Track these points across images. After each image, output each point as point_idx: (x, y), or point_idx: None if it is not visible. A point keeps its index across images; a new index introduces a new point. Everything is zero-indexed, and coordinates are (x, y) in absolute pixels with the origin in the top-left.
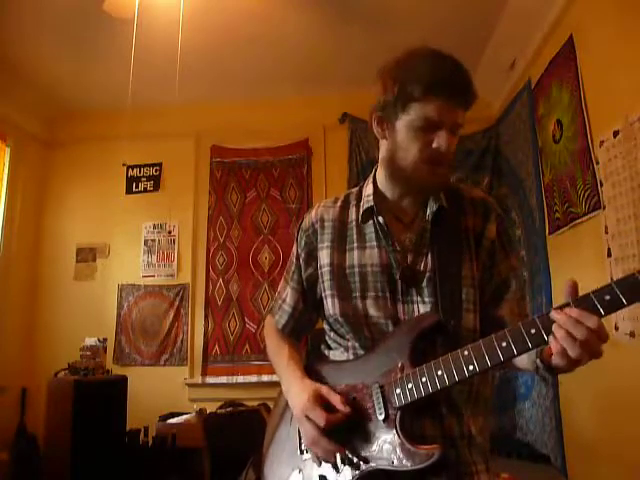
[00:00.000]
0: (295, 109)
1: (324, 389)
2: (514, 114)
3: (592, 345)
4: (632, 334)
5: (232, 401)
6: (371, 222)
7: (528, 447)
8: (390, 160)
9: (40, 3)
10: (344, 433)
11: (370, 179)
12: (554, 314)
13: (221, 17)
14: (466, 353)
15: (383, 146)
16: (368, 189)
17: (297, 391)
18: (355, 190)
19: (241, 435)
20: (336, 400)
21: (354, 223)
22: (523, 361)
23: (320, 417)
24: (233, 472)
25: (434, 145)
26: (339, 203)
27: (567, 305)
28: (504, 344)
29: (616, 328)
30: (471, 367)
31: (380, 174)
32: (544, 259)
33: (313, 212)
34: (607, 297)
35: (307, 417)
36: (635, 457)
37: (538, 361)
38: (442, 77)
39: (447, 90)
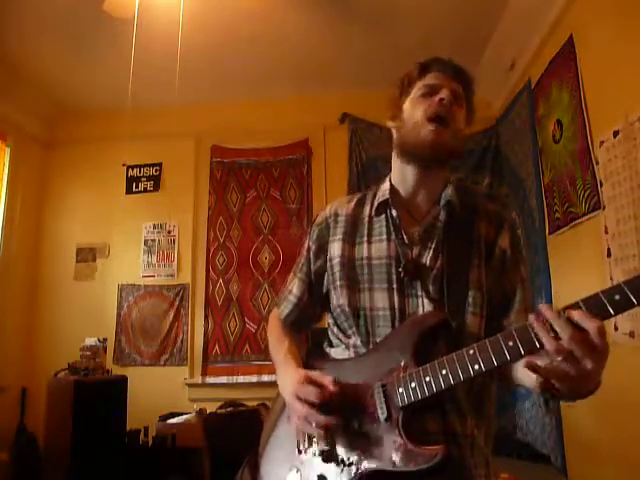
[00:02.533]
0: (295, 109)
1: (314, 372)
2: (514, 114)
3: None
4: (632, 334)
5: (232, 401)
6: (383, 216)
7: (528, 447)
8: (400, 139)
9: (40, 3)
10: (343, 431)
11: (387, 178)
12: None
13: (221, 17)
14: (471, 352)
15: (394, 132)
16: (385, 185)
17: (289, 380)
18: (373, 189)
19: (241, 435)
20: (326, 380)
21: (367, 218)
22: (526, 378)
23: (311, 393)
24: (233, 472)
25: (436, 99)
26: (355, 200)
27: (576, 305)
28: (511, 343)
29: (616, 328)
30: (477, 366)
31: (394, 163)
32: (544, 259)
33: (327, 208)
34: (617, 297)
35: (298, 397)
36: (635, 457)
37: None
38: (436, 58)
39: (441, 64)
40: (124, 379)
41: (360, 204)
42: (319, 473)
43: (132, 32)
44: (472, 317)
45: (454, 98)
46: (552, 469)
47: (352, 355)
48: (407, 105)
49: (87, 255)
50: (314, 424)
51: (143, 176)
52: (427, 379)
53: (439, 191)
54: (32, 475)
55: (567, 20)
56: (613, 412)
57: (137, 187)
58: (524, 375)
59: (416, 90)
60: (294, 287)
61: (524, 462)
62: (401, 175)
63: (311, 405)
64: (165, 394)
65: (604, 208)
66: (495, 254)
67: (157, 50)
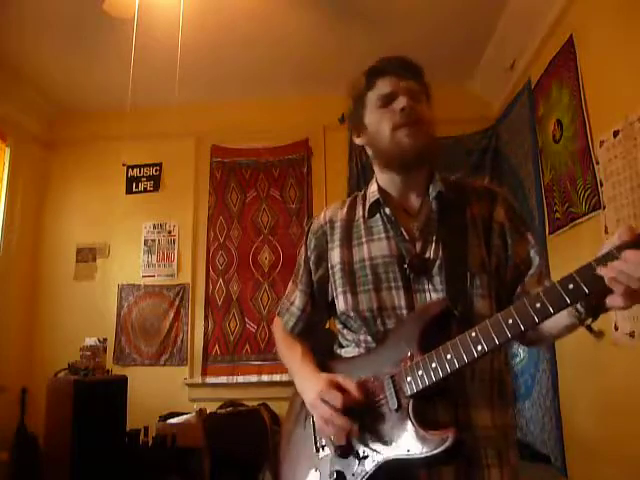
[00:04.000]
0: (295, 109)
1: (339, 376)
2: (514, 114)
3: None
4: (632, 334)
5: (232, 401)
6: (378, 215)
7: (528, 447)
8: (375, 152)
9: (40, 3)
10: (358, 425)
11: (373, 180)
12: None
13: (221, 17)
14: (473, 334)
15: (367, 148)
16: (372, 187)
17: (311, 383)
18: (361, 193)
19: (241, 435)
20: (351, 386)
21: (361, 220)
22: (558, 321)
23: (336, 397)
24: (233, 472)
25: (395, 108)
26: (347, 204)
27: (609, 256)
28: (510, 321)
29: (616, 328)
30: (479, 347)
31: (378, 174)
32: (544, 259)
33: (322, 215)
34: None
35: (322, 400)
36: (635, 457)
37: (579, 307)
38: (379, 63)
39: (387, 68)
40: (124, 379)
41: (352, 207)
42: (337, 469)
43: (132, 32)
44: (480, 300)
45: (412, 98)
46: (552, 469)
47: (363, 351)
48: (369, 119)
49: (87, 255)
50: (335, 427)
51: (143, 176)
52: (433, 365)
53: (426, 182)
54: (32, 475)
55: (567, 20)
56: (613, 412)
57: (137, 187)
58: (553, 321)
59: (371, 103)
60: (296, 299)
61: (524, 462)
62: (387, 181)
63: (334, 409)
64: (165, 394)
65: (604, 208)
66: (493, 230)
67: (157, 50)
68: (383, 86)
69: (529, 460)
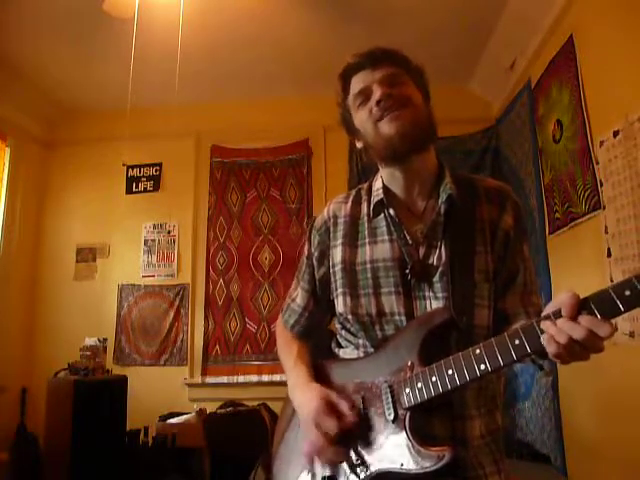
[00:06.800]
0: (295, 109)
1: (333, 396)
2: (514, 114)
3: (588, 346)
4: (632, 334)
5: (232, 401)
6: (382, 216)
7: (528, 447)
8: (374, 151)
9: (40, 3)
10: (353, 434)
11: (378, 175)
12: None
13: (221, 17)
14: (478, 352)
15: (369, 150)
16: (377, 183)
17: (304, 396)
18: (365, 185)
19: (241, 435)
20: (345, 407)
21: (365, 218)
22: None
23: (330, 426)
24: (233, 472)
25: (373, 103)
26: (351, 199)
27: (587, 305)
28: (517, 342)
29: (616, 328)
30: (483, 366)
31: (381, 170)
32: (544, 259)
33: (325, 210)
34: (627, 292)
35: (316, 424)
36: (635, 457)
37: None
38: (348, 63)
39: (357, 64)
40: (124, 379)
41: (356, 202)
42: (329, 474)
43: (132, 32)
44: (481, 310)
45: (388, 84)
46: (552, 469)
47: (361, 355)
48: (357, 121)
49: (87, 255)
50: (327, 458)
51: (143, 176)
52: (433, 379)
53: (433, 179)
54: (32, 475)
55: (567, 20)
56: (613, 412)
57: (137, 187)
58: None
59: (352, 105)
60: (298, 296)
61: (524, 462)
62: (390, 177)
63: (328, 438)
64: (165, 394)
65: (604, 208)
66: (498, 237)
67: (157, 50)
68: (356, 84)
69: (529, 460)
